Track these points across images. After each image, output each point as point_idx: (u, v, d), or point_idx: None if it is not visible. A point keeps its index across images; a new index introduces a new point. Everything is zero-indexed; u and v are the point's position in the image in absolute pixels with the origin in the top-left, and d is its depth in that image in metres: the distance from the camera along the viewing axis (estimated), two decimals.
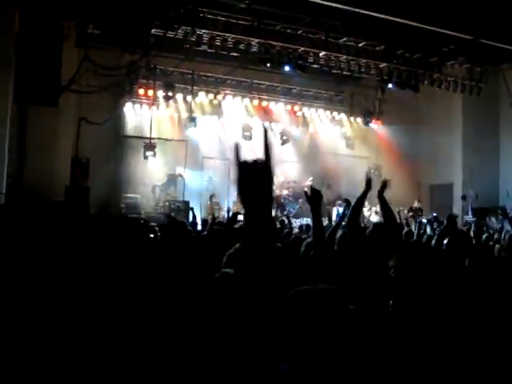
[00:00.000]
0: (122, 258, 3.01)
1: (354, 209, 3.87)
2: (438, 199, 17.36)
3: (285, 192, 16.27)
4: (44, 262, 3.14)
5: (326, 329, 1.66)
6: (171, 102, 15.63)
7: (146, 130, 15.45)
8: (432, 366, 2.09)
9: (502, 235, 6.05)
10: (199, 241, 5.18)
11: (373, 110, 17.72)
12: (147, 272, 2.97)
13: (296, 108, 17.46)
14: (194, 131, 15.99)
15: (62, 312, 2.66)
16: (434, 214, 9.82)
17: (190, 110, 15.93)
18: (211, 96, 16.27)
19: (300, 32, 13.26)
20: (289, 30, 13.14)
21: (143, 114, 15.68)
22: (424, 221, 8.53)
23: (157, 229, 5.87)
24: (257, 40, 12.79)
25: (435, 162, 16.99)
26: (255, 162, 1.38)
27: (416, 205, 15.87)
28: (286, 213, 14.60)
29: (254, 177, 1.37)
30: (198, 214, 12.09)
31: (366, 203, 13.53)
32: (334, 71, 14.26)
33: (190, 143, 16.10)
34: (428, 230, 7.41)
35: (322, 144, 17.84)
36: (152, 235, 4.89)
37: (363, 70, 14.29)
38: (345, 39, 13.66)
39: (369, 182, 3.91)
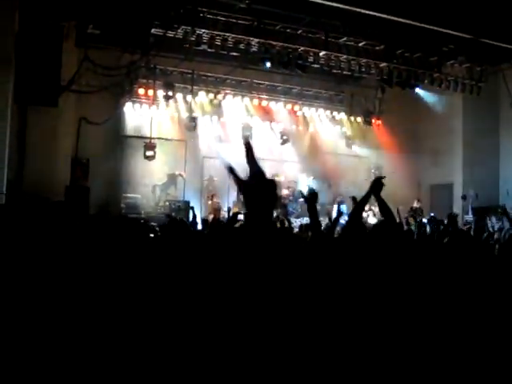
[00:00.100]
0: (122, 258, 3.01)
1: (358, 205, 3.84)
2: (438, 199, 17.35)
3: (285, 192, 16.24)
4: (44, 261, 3.14)
5: None
6: (171, 101, 15.58)
7: (146, 129, 15.42)
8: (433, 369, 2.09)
9: (502, 234, 6.06)
10: (200, 239, 5.17)
11: (373, 109, 17.68)
12: (147, 272, 2.96)
13: (296, 108, 17.40)
14: (194, 131, 15.98)
15: (62, 312, 2.66)
16: (432, 214, 9.85)
17: (190, 110, 15.89)
18: (211, 96, 16.22)
19: (300, 32, 13.23)
20: (289, 30, 13.11)
21: (143, 114, 15.62)
22: (424, 221, 8.55)
23: (157, 229, 5.87)
24: (257, 40, 12.77)
25: (435, 161, 16.99)
26: (255, 179, 1.39)
27: (416, 205, 15.85)
28: (287, 213, 14.54)
29: (259, 194, 1.37)
30: (198, 214, 12.09)
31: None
32: (334, 71, 14.23)
33: (190, 143, 16.08)
34: (428, 229, 7.43)
35: (322, 144, 17.81)
36: (152, 235, 4.88)
37: (363, 69, 14.27)
38: (345, 39, 13.65)
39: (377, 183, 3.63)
